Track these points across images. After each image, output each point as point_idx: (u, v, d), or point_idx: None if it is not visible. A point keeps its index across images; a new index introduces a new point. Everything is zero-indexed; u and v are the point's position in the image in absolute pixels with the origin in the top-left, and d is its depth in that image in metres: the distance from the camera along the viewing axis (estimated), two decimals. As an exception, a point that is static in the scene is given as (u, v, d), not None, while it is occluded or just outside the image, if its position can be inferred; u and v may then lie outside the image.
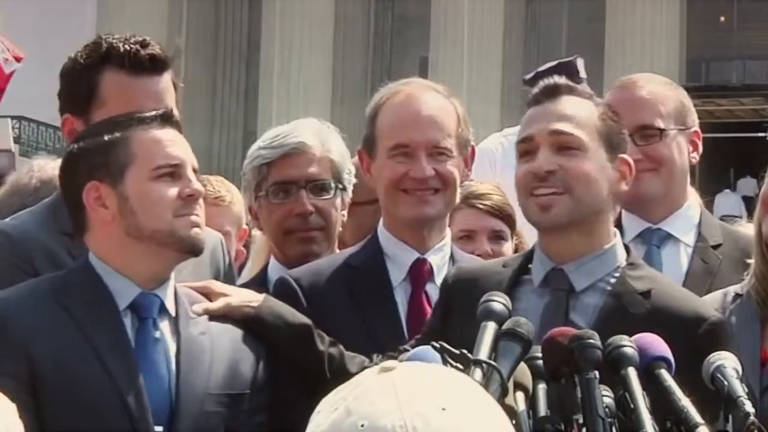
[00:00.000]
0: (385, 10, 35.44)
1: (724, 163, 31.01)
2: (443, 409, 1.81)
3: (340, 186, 3.95)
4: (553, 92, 3.20)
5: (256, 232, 4.78)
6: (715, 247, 3.91)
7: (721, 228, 4.00)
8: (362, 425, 1.79)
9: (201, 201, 3.18)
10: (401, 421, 1.79)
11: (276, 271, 3.94)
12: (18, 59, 11.79)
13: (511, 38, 32.23)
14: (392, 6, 35.42)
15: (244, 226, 5.21)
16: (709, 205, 4.69)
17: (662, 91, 4.00)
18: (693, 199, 4.05)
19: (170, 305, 3.17)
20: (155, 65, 3.47)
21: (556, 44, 32.58)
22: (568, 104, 3.18)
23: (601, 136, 3.15)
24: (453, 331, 3.10)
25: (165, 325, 3.15)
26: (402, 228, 3.62)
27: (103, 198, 3.13)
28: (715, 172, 29.52)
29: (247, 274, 4.71)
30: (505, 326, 2.63)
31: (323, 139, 3.96)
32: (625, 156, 3.18)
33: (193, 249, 3.15)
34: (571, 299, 3.10)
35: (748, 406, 2.57)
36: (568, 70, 7.51)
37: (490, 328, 2.62)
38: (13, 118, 29.49)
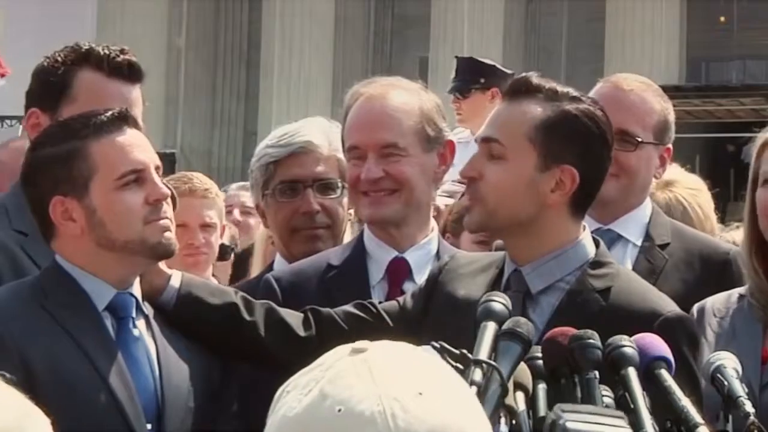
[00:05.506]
0: (385, 10, 35.42)
1: (724, 163, 31.00)
2: (420, 393, 1.78)
3: (347, 185, 3.95)
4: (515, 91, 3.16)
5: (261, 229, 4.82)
6: (663, 246, 3.90)
7: (671, 227, 3.99)
8: (339, 410, 1.75)
9: (168, 199, 3.14)
10: (380, 407, 1.75)
11: (281, 268, 3.94)
12: (1, 75, 11.78)
13: (511, 38, 32.18)
14: (392, 6, 35.39)
15: (224, 222, 5.31)
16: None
17: (652, 102, 4.00)
18: (647, 200, 4.04)
19: (143, 303, 3.17)
20: (132, 73, 3.55)
21: (556, 44, 32.55)
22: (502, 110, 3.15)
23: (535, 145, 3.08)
24: (430, 322, 3.13)
25: (141, 324, 3.15)
26: (374, 228, 3.63)
27: (70, 212, 3.08)
28: (716, 172, 29.52)
29: (254, 270, 4.74)
30: (505, 326, 2.62)
31: (331, 138, 3.96)
32: (567, 166, 3.09)
33: (165, 254, 3.14)
34: (529, 300, 3.09)
35: (748, 406, 2.58)
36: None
37: (490, 328, 2.62)
38: (13, 118, 29.54)
